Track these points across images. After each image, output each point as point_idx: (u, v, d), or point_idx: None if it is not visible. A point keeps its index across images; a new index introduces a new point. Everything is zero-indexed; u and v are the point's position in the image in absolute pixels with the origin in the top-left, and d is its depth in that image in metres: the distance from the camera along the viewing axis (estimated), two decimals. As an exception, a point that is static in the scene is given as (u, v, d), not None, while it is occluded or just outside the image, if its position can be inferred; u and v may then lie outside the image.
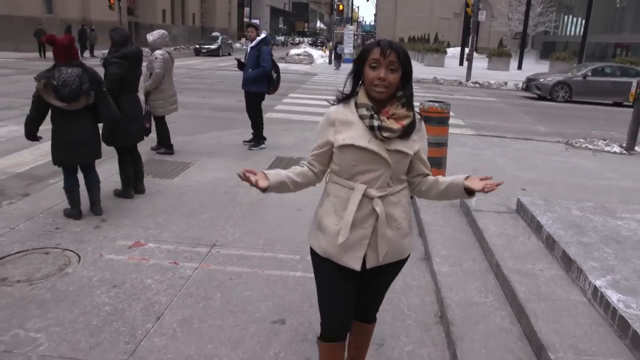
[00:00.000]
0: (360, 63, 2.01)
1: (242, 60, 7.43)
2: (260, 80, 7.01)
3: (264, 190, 1.95)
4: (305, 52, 33.47)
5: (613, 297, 2.84)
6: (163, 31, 6.73)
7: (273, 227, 4.41)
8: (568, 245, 3.54)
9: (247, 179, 1.91)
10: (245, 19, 59.94)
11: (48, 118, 4.31)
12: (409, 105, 2.01)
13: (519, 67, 33.23)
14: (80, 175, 4.58)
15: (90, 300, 3.19)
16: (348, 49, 31.98)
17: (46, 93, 4.10)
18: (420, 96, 14.42)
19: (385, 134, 1.95)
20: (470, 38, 23.19)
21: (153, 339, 2.81)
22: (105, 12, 32.88)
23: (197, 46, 36.16)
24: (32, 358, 2.63)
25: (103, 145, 4.65)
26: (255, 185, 1.92)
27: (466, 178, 2.06)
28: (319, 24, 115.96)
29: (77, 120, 4.27)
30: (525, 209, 4.32)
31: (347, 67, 26.81)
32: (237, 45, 46.86)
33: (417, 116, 2.05)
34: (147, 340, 2.80)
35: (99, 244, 4.00)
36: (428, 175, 2.13)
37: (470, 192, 2.05)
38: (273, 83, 7.15)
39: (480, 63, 33.74)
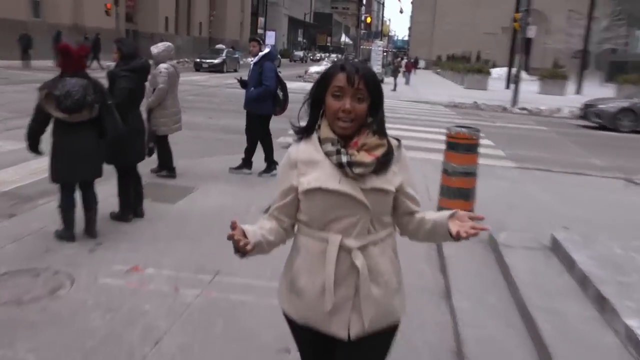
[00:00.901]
0: (320, 90, 2.00)
1: (245, 78, 7.92)
2: (263, 100, 7.46)
3: (245, 255, 1.93)
4: (326, 69, 34.37)
5: (644, 336, 3.14)
6: (169, 43, 7.33)
7: (281, 257, 4.75)
8: (603, 284, 3.85)
9: (236, 240, 1.88)
10: (260, 30, 61.66)
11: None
12: (381, 131, 2.00)
13: (578, 92, 33.49)
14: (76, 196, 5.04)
15: (84, 323, 3.60)
16: (376, 68, 32.83)
17: (47, 103, 4.60)
18: (457, 123, 14.83)
19: (357, 170, 1.93)
20: (518, 57, 23.67)
21: (151, 363, 3.19)
22: (100, 18, 34.24)
23: (198, 60, 36.38)
24: (25, 377, 3.03)
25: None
26: (242, 249, 1.89)
27: (451, 216, 2.00)
28: (344, 38, 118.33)
29: (79, 133, 4.74)
30: (560, 246, 4.65)
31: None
32: (249, 59, 48.22)
33: (394, 142, 2.04)
34: (144, 363, 3.18)
35: (94, 267, 4.43)
36: (416, 212, 2.10)
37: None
38: (280, 103, 7.59)
39: (530, 86, 34.10)
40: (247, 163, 7.84)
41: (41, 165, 6.53)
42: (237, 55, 41.31)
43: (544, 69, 40.28)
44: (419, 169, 8.55)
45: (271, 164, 7.85)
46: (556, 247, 4.75)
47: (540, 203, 7.17)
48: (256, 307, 3.92)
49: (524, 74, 40.58)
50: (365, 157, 1.94)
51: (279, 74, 7.75)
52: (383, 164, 1.97)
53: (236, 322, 3.69)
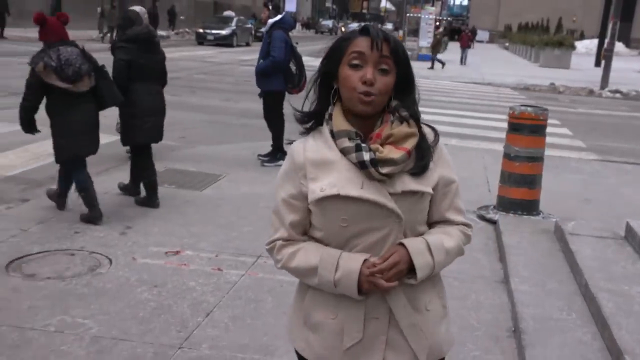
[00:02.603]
0: (331, 62, 2.00)
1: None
2: (272, 75, 8.20)
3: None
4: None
5: None
6: (140, 7, 8.21)
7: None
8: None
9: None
10: (278, -7, 62.72)
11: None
12: (412, 116, 2.00)
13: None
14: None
15: (132, 296, 4.61)
16: (424, 41, 33.54)
17: (47, 75, 5.54)
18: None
19: (385, 170, 1.92)
20: (611, 25, 23.94)
21: (205, 330, 4.19)
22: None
23: (201, 31, 37.88)
24: (85, 338, 4.04)
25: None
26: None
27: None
28: (384, 3, 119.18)
29: (82, 105, 5.80)
30: (635, 234, 5.51)
31: (423, 66, 28.33)
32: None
33: (429, 131, 2.07)
34: (199, 330, 4.18)
35: (128, 249, 5.46)
36: (451, 222, 2.13)
37: None
38: (293, 79, 8.33)
39: (630, 63, 34.31)
40: (278, 151, 8.72)
41: (43, 149, 7.85)
42: (249, 25, 42.25)
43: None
44: (479, 159, 9.46)
45: (277, 151, 8.66)
46: (631, 236, 5.61)
47: (623, 198, 7.97)
48: (305, 285, 4.88)
49: (621, 47, 40.27)
50: (393, 152, 1.93)
51: (295, 45, 8.54)
52: (422, 165, 2.00)
53: (286, 299, 4.61)
